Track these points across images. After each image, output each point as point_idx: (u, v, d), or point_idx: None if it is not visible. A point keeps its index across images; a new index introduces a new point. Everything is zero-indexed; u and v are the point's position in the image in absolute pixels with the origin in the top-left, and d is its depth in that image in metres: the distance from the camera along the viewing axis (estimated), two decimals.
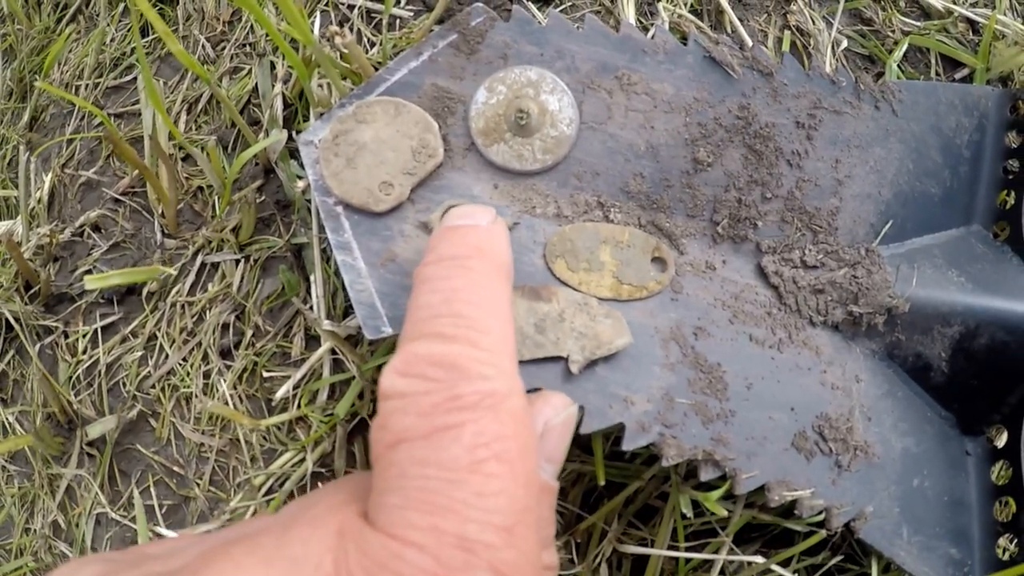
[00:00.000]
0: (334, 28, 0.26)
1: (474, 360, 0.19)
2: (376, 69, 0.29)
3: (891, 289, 0.30)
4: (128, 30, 0.40)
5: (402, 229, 0.27)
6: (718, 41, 0.30)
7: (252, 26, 0.35)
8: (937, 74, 0.36)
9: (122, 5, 0.41)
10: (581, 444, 0.31)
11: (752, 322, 0.29)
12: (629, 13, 0.32)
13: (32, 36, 0.44)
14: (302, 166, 0.32)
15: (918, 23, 0.36)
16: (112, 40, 0.40)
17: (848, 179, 0.31)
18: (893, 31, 0.36)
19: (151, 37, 0.39)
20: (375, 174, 0.26)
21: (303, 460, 0.31)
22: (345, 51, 0.26)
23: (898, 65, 0.35)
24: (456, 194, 0.27)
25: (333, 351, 0.31)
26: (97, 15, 0.42)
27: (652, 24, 0.34)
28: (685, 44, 0.29)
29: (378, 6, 0.33)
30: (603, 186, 0.29)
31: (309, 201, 0.32)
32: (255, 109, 0.36)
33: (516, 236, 0.27)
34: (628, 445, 0.26)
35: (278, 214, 0.33)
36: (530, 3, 0.32)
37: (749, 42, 0.32)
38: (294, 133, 0.34)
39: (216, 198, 0.35)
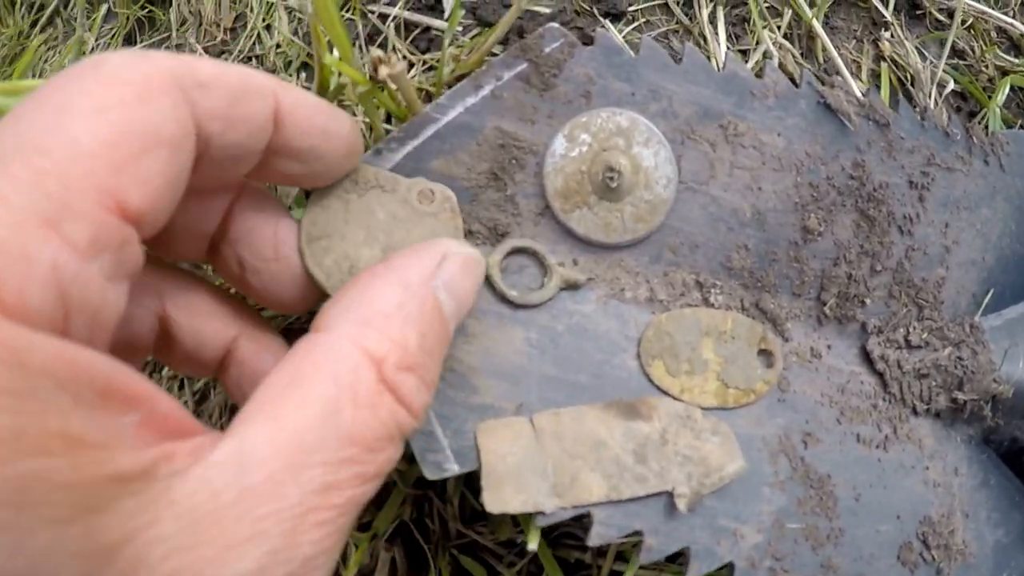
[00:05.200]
0: (378, 53, 0.20)
1: None
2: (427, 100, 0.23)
3: (996, 373, 0.27)
4: (112, 36, 0.31)
5: (464, 324, 0.21)
6: (833, 84, 0.25)
7: (259, 35, 0.27)
8: None
9: (104, 7, 0.32)
10: None
11: (859, 419, 0.25)
12: (720, 39, 0.27)
13: (3, 42, 0.35)
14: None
15: (1012, 58, 0.32)
16: (93, 49, 0.32)
17: (955, 245, 0.27)
18: (987, 66, 0.32)
19: (139, 45, 0.31)
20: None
21: None
22: (392, 85, 0.19)
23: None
24: None
25: None
26: (75, 19, 0.33)
27: (737, 50, 0.28)
28: (796, 86, 0.24)
29: (418, 17, 0.25)
30: (702, 261, 0.24)
31: None
32: None
33: (604, 330, 0.22)
34: None
35: None
36: (608, 23, 0.26)
37: (855, 85, 0.27)
38: None
39: None
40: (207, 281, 0.20)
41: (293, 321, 0.27)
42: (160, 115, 0.13)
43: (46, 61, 0.33)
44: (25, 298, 0.11)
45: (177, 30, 0.30)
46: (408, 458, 0.27)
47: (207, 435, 0.14)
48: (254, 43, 0.27)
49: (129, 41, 0.32)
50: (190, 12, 0.31)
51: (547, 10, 0.25)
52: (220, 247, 0.19)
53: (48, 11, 0.37)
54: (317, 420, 0.14)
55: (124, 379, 0.13)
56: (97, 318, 0.13)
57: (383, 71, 0.19)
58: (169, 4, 0.32)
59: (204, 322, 0.19)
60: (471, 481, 0.28)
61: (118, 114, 0.13)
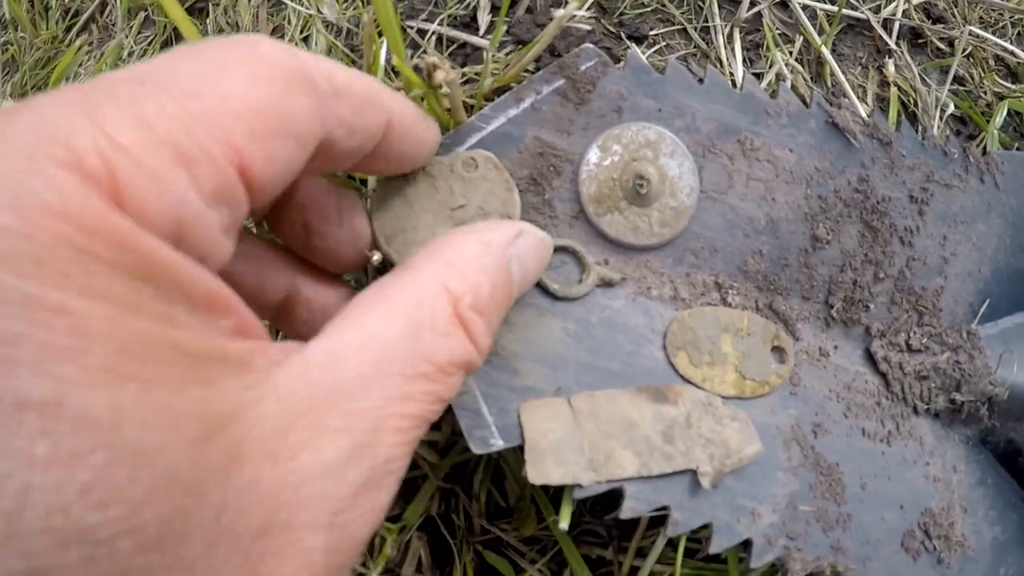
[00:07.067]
0: (432, 59, 0.22)
1: None
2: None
3: (992, 376, 0.29)
4: (149, 43, 0.33)
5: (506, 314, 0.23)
6: (840, 105, 0.27)
7: (296, 45, 0.30)
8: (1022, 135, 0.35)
9: (142, 15, 0.34)
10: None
11: (864, 414, 0.27)
12: (737, 62, 0.29)
13: (37, 46, 0.36)
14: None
15: (1009, 84, 0.35)
16: (131, 54, 0.34)
17: (953, 257, 0.30)
18: (985, 92, 0.34)
19: None
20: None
21: None
22: (446, 90, 0.22)
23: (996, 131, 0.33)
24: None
25: None
26: (113, 25, 0.35)
27: (752, 73, 0.31)
28: (806, 106, 0.27)
29: (455, 33, 0.28)
30: (721, 264, 0.26)
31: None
32: None
33: (633, 324, 0.24)
34: (756, 562, 0.23)
35: None
36: (633, 45, 0.28)
37: (861, 108, 0.30)
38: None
39: None
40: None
41: None
42: (300, 110, 0.14)
43: (81, 65, 0.35)
44: (145, 213, 0.12)
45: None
46: (440, 451, 0.28)
47: (290, 341, 0.15)
48: None
49: (166, 49, 0.34)
50: (227, 22, 0.33)
51: (581, 26, 0.27)
52: (286, 210, 0.20)
53: (83, 17, 0.38)
54: (401, 333, 0.15)
55: (220, 290, 0.14)
56: (203, 260, 0.13)
57: (439, 76, 0.21)
58: (207, 14, 0.34)
59: (263, 266, 0.20)
60: (498, 478, 0.30)
61: (267, 90, 0.14)
